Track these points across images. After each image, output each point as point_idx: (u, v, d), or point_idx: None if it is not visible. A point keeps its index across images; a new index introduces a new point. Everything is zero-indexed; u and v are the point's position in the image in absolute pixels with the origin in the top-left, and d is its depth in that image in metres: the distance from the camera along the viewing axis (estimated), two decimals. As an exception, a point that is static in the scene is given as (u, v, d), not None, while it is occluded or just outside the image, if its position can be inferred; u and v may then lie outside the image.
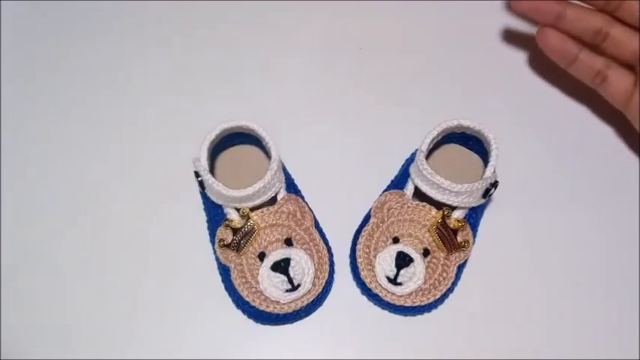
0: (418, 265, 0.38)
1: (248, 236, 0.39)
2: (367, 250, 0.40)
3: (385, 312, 0.40)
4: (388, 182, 0.43)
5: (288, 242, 0.40)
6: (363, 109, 0.48)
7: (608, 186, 0.44)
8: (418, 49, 0.50)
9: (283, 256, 0.38)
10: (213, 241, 0.41)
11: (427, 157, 0.40)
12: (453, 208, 0.39)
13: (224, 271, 0.40)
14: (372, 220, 0.40)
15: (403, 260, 0.38)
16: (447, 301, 0.40)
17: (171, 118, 0.47)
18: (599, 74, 0.42)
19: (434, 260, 0.39)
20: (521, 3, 0.40)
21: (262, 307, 0.38)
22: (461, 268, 0.40)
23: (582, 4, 0.41)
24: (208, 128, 0.40)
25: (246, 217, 0.39)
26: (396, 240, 0.40)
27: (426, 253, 0.39)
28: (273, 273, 0.38)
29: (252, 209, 0.39)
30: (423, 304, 0.38)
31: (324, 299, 0.40)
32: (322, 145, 0.46)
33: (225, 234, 0.39)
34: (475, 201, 0.39)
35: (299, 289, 0.38)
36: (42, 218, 0.44)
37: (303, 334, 0.40)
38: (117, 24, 0.52)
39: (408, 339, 0.40)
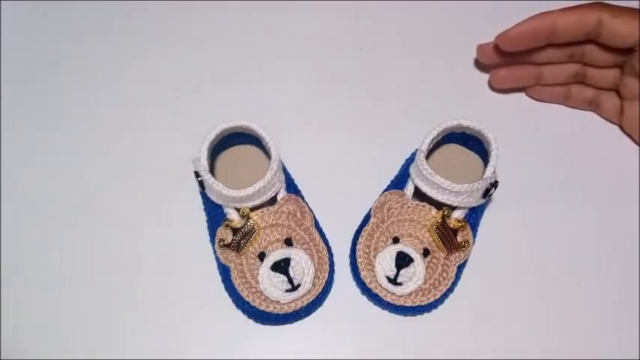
0: (418, 265, 0.38)
1: (248, 236, 0.39)
2: (367, 250, 0.40)
3: (385, 312, 0.40)
4: (388, 182, 0.43)
5: (288, 242, 0.40)
6: (363, 109, 0.48)
7: (608, 186, 0.44)
8: (418, 49, 0.50)
9: (283, 256, 0.38)
10: (213, 241, 0.41)
11: (427, 157, 0.40)
12: (453, 208, 0.39)
13: (224, 271, 0.40)
14: (372, 220, 0.40)
15: (403, 260, 0.38)
16: (447, 301, 0.40)
17: (171, 118, 0.47)
18: (592, 102, 0.46)
19: (434, 260, 0.39)
20: (502, 80, 0.46)
21: (262, 307, 0.38)
22: (461, 268, 0.40)
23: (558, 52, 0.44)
24: (208, 128, 0.40)
25: (246, 217, 0.39)
26: (396, 240, 0.40)
27: (426, 253, 0.39)
28: (273, 273, 0.38)
29: (252, 209, 0.39)
30: (423, 304, 0.38)
31: (324, 299, 0.40)
32: (322, 145, 0.46)
33: (225, 234, 0.39)
34: (475, 201, 0.39)
35: (299, 289, 0.38)
36: (42, 218, 0.44)
37: (303, 334, 0.40)
38: (117, 24, 0.52)
39: (408, 339, 0.40)
